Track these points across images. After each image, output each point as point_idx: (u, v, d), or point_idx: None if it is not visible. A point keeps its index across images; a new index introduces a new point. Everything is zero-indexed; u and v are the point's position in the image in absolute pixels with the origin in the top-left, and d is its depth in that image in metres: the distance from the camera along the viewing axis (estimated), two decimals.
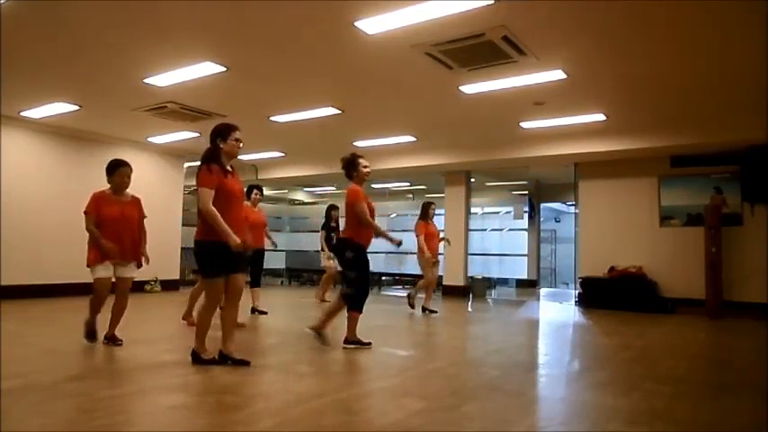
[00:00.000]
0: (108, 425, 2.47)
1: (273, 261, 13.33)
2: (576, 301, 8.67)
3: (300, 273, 13.18)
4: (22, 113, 7.39)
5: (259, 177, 11.75)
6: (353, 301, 4.41)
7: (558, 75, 5.37)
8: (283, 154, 10.26)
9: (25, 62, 5.36)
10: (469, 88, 5.88)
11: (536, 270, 12.80)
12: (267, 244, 6.71)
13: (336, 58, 5.13)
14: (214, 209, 3.47)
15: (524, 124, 7.47)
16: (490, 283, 10.70)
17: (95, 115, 7.49)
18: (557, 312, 8.18)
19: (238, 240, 3.46)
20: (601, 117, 7.02)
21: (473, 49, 4.71)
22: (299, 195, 15.75)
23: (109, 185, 4.49)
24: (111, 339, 4.37)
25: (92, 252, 4.28)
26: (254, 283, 6.62)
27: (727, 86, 5.74)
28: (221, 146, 3.68)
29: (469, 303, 9.01)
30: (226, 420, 2.59)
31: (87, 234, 4.41)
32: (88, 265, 4.27)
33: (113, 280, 4.38)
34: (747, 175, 7.41)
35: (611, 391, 3.30)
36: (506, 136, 8.26)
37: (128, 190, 4.65)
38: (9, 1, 3.99)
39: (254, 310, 6.60)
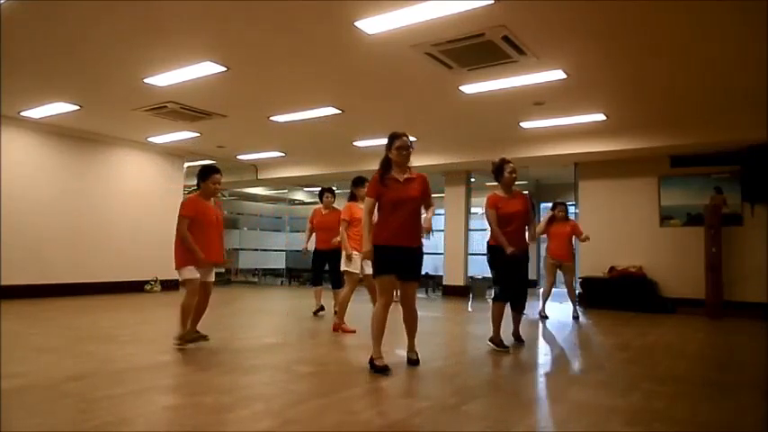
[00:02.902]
0: (107, 425, 2.47)
1: (273, 261, 13.36)
2: (576, 301, 8.65)
3: (301, 273, 13.18)
4: (22, 113, 7.39)
5: (259, 177, 11.75)
6: (495, 296, 4.79)
7: (558, 75, 5.37)
8: (283, 154, 10.26)
9: (25, 62, 5.36)
10: (469, 88, 5.87)
11: (536, 270, 12.79)
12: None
13: (336, 58, 5.13)
14: (366, 217, 3.76)
15: (524, 124, 7.47)
16: (490, 283, 10.70)
17: (95, 115, 7.49)
18: (557, 312, 8.17)
19: (366, 248, 3.73)
20: (601, 117, 7.02)
21: (473, 49, 4.70)
22: (299, 195, 15.75)
23: (199, 191, 4.56)
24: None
25: (181, 254, 4.37)
26: (334, 285, 6.60)
27: (727, 86, 5.74)
28: (389, 155, 3.82)
29: (469, 303, 9.01)
30: (225, 420, 2.59)
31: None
32: (177, 268, 4.38)
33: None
34: (747, 175, 7.41)
35: (610, 391, 3.30)
36: (506, 136, 8.26)
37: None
38: (9, 1, 3.99)
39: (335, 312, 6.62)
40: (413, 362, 3.84)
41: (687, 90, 5.91)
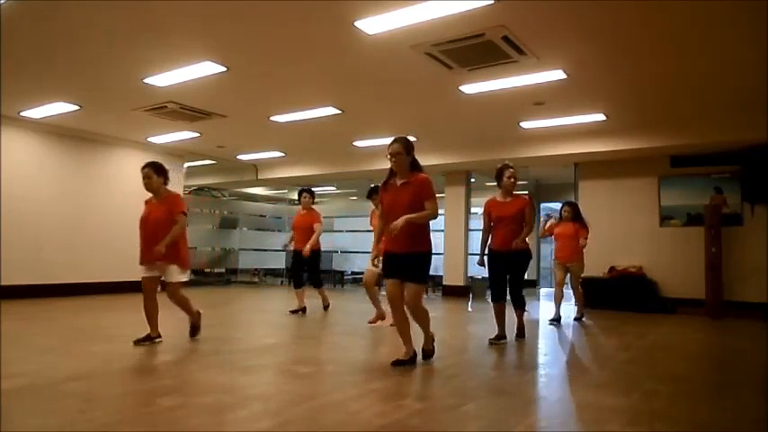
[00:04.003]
0: (107, 425, 2.47)
1: (273, 261, 13.36)
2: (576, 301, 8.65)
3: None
4: (22, 113, 7.39)
5: (259, 177, 11.75)
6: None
7: (558, 75, 5.37)
8: (283, 154, 10.26)
9: (25, 62, 5.36)
10: (469, 88, 5.87)
11: (536, 270, 12.79)
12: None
13: (336, 58, 5.13)
14: (378, 223, 4.05)
15: (524, 124, 7.47)
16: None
17: (95, 115, 7.49)
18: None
19: (373, 253, 4.16)
20: (601, 117, 7.02)
21: (473, 49, 4.70)
22: None
23: None
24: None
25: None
26: (315, 284, 6.87)
27: (727, 86, 5.74)
28: None
29: (469, 303, 9.00)
30: (224, 420, 2.59)
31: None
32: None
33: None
34: (747, 175, 7.41)
35: (610, 391, 3.30)
36: (506, 136, 8.26)
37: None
38: (9, 1, 3.99)
39: (325, 308, 6.90)
40: (425, 354, 4.03)
41: (687, 90, 5.91)
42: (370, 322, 5.89)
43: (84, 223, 8.47)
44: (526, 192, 11.62)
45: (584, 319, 6.79)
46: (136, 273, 4.59)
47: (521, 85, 5.68)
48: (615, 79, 5.60)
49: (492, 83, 5.69)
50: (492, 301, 5.08)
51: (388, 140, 9.15)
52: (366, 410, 2.80)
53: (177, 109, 7.01)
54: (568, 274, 6.87)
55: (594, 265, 8.51)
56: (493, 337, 4.97)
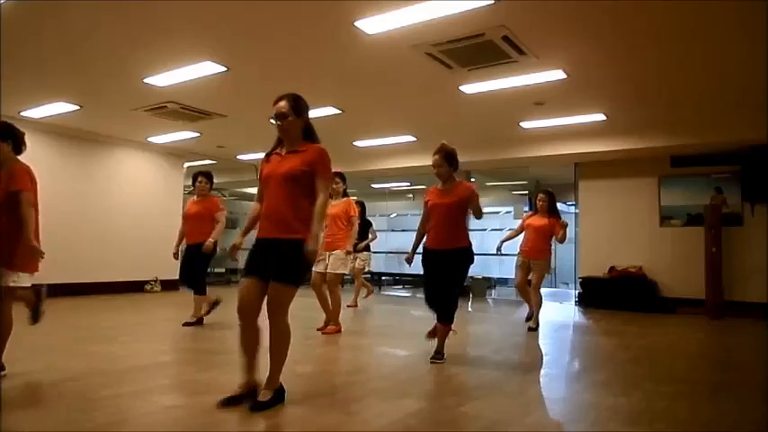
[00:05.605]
0: (106, 425, 2.47)
1: None
2: (575, 301, 8.67)
3: None
4: (22, 113, 7.38)
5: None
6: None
7: (558, 75, 5.37)
8: None
9: (25, 62, 5.35)
10: (469, 88, 5.87)
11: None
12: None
13: (336, 58, 5.13)
14: (254, 205, 3.02)
15: (524, 124, 7.47)
16: (490, 283, 10.71)
17: (95, 115, 7.49)
18: (557, 312, 8.17)
19: (233, 241, 3.04)
20: (601, 117, 7.02)
21: (473, 49, 4.70)
22: None
23: None
24: None
25: None
26: (197, 289, 5.50)
27: (727, 86, 5.74)
28: None
29: (469, 303, 9.00)
30: (225, 420, 2.59)
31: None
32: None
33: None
34: (747, 175, 7.41)
35: (611, 391, 3.30)
36: (506, 136, 8.25)
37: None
38: (9, 1, 3.99)
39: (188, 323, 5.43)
40: (256, 405, 2.69)
41: (687, 90, 5.91)
42: (319, 329, 5.20)
43: (83, 223, 8.46)
44: (525, 192, 11.63)
45: (538, 329, 5.74)
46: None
47: (521, 85, 5.68)
48: (615, 79, 5.59)
49: (492, 83, 5.69)
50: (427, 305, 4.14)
51: (389, 140, 9.12)
52: (366, 410, 2.80)
53: (177, 109, 7.01)
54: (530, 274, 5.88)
55: (594, 265, 8.55)
56: (433, 353, 4.00)
